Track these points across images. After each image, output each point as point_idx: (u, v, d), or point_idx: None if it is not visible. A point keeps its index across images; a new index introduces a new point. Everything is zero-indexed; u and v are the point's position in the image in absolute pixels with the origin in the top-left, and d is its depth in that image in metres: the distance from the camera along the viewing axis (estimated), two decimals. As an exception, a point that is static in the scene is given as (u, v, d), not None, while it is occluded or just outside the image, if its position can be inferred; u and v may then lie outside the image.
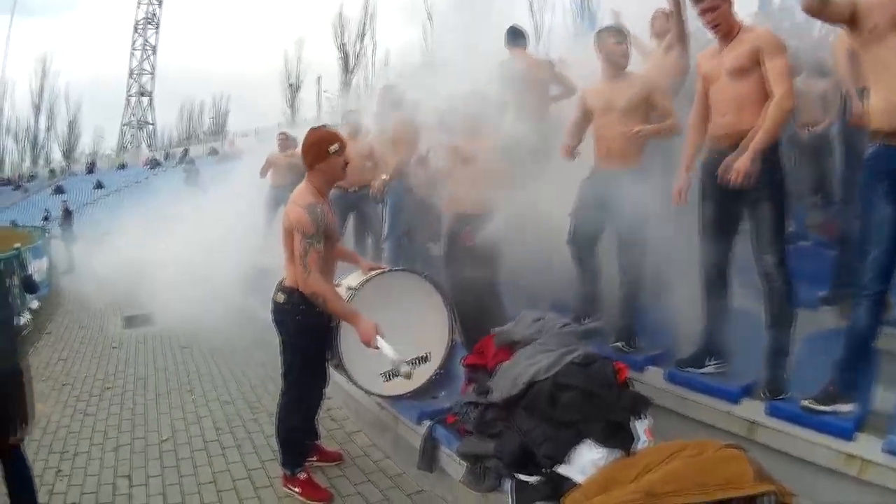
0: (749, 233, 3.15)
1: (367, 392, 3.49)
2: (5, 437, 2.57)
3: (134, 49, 44.52)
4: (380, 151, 6.14)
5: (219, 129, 41.89)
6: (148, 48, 44.59)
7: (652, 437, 2.51)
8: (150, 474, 3.67)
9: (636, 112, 3.61)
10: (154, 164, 32.64)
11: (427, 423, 3.27)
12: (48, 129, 44.02)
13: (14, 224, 23.10)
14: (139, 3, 43.80)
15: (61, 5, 67.08)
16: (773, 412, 2.95)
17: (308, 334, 3.05)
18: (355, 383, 3.35)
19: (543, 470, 2.44)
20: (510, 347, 3.03)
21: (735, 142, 2.97)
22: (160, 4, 43.92)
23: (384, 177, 5.13)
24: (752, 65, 2.97)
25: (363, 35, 36.23)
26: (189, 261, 8.53)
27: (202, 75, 47.13)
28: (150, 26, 44.33)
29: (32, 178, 37.66)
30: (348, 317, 2.98)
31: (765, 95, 2.96)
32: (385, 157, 5.99)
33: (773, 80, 2.90)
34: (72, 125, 44.24)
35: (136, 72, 44.74)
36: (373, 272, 3.40)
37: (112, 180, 31.50)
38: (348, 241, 6.36)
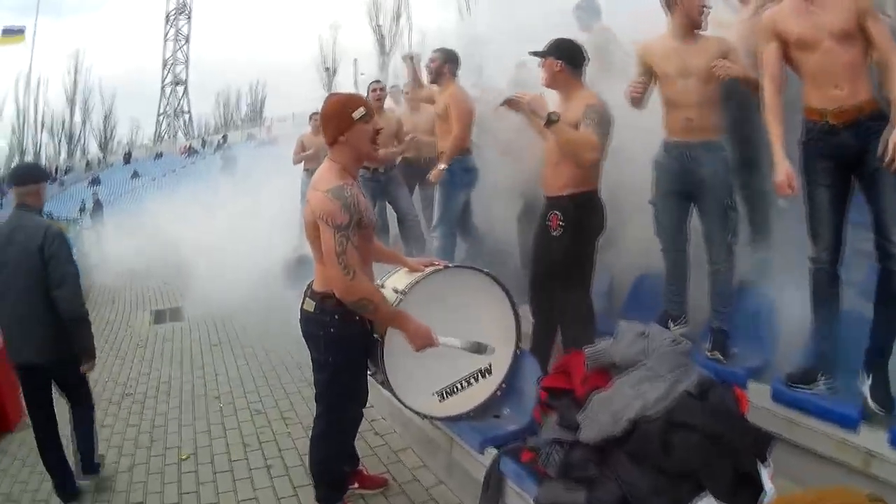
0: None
1: (421, 415, 2.88)
2: (77, 367, 3.17)
3: (167, 39, 44.87)
4: (410, 128, 5.53)
5: (256, 116, 41.96)
6: (181, 38, 44.88)
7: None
8: (165, 502, 3.18)
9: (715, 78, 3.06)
10: (191, 151, 32.85)
11: (491, 450, 2.67)
12: (84, 122, 44.57)
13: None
14: (169, -6, 44.09)
15: (89, 5, 67.54)
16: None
17: (345, 349, 2.46)
18: (405, 405, 2.74)
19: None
20: (606, 371, 2.39)
21: (853, 118, 2.54)
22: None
23: (441, 166, 4.46)
24: (856, 28, 2.53)
25: (398, 16, 35.77)
26: (223, 251, 8.13)
27: (238, 63, 46.98)
28: (181, 16, 44.61)
29: (69, 170, 38.26)
30: (399, 321, 2.42)
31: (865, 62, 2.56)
32: (418, 136, 5.36)
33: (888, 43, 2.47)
34: (107, 118, 44.58)
35: (169, 62, 45.12)
36: (428, 269, 2.77)
37: (148, 170, 31.80)
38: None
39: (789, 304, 3.06)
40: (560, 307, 3.32)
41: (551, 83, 3.19)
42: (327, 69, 38.37)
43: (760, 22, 2.78)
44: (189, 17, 44.54)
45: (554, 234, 3.20)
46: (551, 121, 2.93)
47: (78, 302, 3.14)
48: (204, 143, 34.61)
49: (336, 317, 2.36)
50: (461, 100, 4.43)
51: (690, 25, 3.11)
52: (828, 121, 2.59)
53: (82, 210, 23.45)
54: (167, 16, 44.49)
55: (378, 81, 5.59)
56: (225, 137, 30.36)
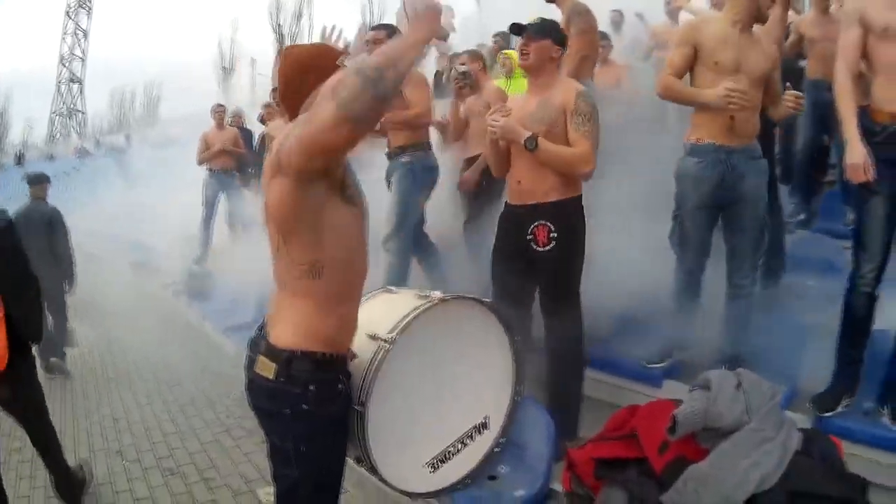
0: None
1: (414, 496, 2.19)
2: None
3: (65, 34, 41.61)
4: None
5: (151, 116, 39.18)
6: (79, 33, 41.69)
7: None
8: None
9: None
10: (83, 153, 30.09)
11: None
12: (-26, 123, 40.60)
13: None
14: (71, -14, 40.79)
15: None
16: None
17: (323, 434, 1.59)
18: (395, 489, 2.02)
19: None
20: (691, 435, 1.86)
21: None
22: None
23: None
24: None
25: (300, 16, 34.55)
26: (114, 262, 7.08)
27: (135, 60, 43.99)
28: (81, 9, 41.44)
29: (-44, 173, 34.13)
30: (415, 43, 1.32)
31: None
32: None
33: None
34: (1, 116, 41.21)
35: (66, 58, 41.87)
36: (419, 304, 1.98)
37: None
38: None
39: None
40: (550, 337, 2.81)
41: (538, 69, 2.69)
42: (224, 69, 36.58)
43: (846, 5, 2.56)
44: (90, 12, 41.47)
45: (542, 249, 2.67)
46: (533, 144, 2.54)
47: None
48: (98, 144, 32.06)
49: (311, 387, 1.51)
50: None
51: (754, 18, 2.73)
52: None
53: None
54: (67, 9, 41.23)
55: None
56: (128, 137, 28.17)
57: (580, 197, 2.76)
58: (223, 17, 49.66)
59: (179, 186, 8.51)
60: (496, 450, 2.38)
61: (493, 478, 2.42)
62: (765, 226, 2.90)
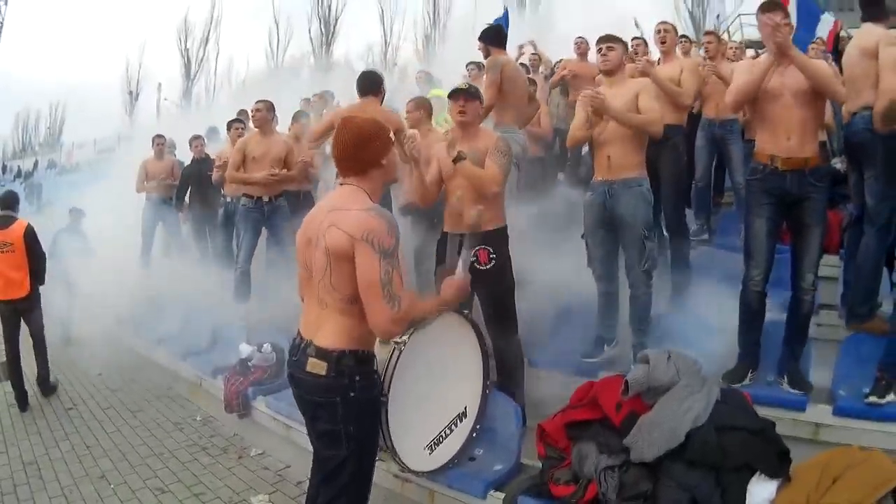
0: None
1: (419, 474, 2.63)
2: None
3: (-32, 55, 38.03)
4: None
5: (54, 140, 36.98)
6: (-20, 53, 38.29)
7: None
8: None
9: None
10: (-10, 179, 28.10)
11: (497, 494, 2.61)
12: None
13: None
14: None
15: None
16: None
17: (369, 416, 2.09)
18: (409, 470, 2.48)
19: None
20: (638, 396, 2.48)
21: None
22: (6, 3, 38.15)
23: None
24: None
25: (207, 40, 33.61)
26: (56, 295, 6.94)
27: (40, 82, 41.28)
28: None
29: None
30: (442, 304, 2.36)
31: None
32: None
33: None
34: None
35: (-27, 79, 38.26)
36: None
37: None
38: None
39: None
40: (496, 346, 3.30)
41: (470, 123, 3.33)
42: (130, 93, 35.26)
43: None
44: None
45: (483, 267, 3.21)
46: (460, 158, 3.11)
47: None
48: (4, 169, 29.96)
49: (357, 378, 1.99)
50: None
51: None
52: None
53: None
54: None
55: (260, 101, 5.26)
56: (36, 164, 26.52)
57: (506, 226, 3.37)
58: (130, 39, 47.66)
59: (95, 211, 8.48)
60: (474, 435, 2.88)
61: (472, 459, 2.88)
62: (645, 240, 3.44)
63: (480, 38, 4.66)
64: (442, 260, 3.31)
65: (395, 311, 1.93)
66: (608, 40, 3.48)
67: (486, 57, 4.55)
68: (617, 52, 3.48)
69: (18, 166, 30.13)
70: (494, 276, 3.23)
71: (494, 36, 4.63)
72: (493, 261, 3.22)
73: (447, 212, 3.38)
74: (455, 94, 3.32)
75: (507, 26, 5.98)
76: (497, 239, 3.26)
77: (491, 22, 6.07)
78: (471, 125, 3.32)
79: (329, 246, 1.94)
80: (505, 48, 4.77)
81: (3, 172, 29.23)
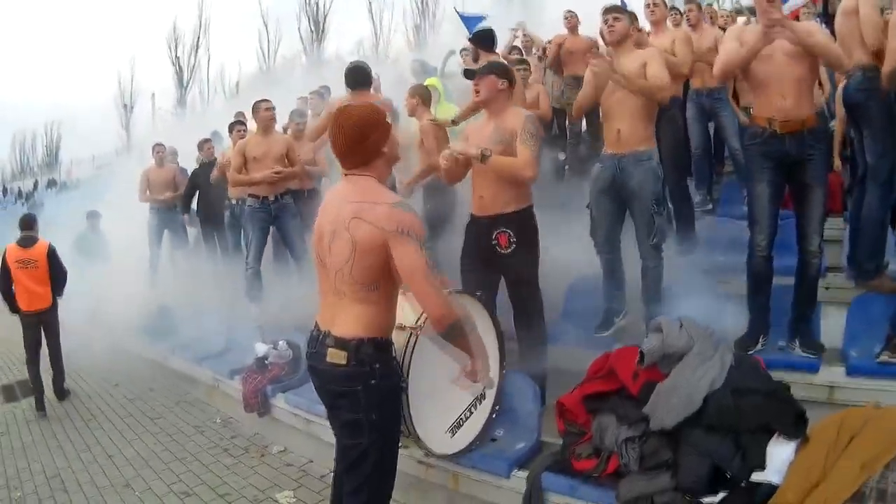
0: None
1: (443, 458, 2.67)
2: None
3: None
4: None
5: (52, 159, 37.05)
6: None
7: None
8: None
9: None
10: (-8, 202, 28.22)
11: (519, 473, 2.63)
12: None
13: None
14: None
15: None
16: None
17: (389, 403, 2.10)
18: (433, 454, 2.51)
19: (741, 483, 2.20)
20: (654, 364, 2.51)
21: None
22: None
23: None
24: None
25: (197, 47, 33.54)
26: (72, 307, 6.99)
27: (34, 103, 41.46)
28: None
29: None
30: (480, 350, 2.19)
31: None
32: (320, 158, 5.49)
33: None
34: None
35: (-33, 104, 38.43)
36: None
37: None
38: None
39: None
40: (519, 327, 3.33)
41: (489, 100, 3.23)
42: (125, 106, 35.26)
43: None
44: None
45: (504, 251, 3.20)
46: (485, 157, 3.03)
47: None
48: (5, 191, 30.05)
49: (377, 365, 2.00)
50: None
51: None
52: None
53: None
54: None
55: (267, 101, 5.24)
56: (36, 184, 26.62)
57: (532, 207, 3.30)
58: (120, 54, 47.70)
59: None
60: (493, 416, 2.91)
61: (493, 439, 2.91)
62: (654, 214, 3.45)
63: (471, 41, 4.67)
64: (469, 243, 3.36)
65: (439, 299, 1.96)
66: (614, 10, 3.45)
67: (475, 60, 4.57)
68: (623, 22, 3.45)
69: (19, 188, 30.30)
70: (516, 260, 3.21)
71: (485, 39, 4.66)
72: (514, 245, 3.19)
73: (473, 196, 3.35)
74: (468, 77, 3.29)
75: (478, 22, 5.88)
76: (519, 222, 3.21)
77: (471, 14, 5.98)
78: (492, 101, 3.21)
79: (355, 237, 1.95)
80: (495, 51, 4.81)
81: (4, 195, 29.36)
